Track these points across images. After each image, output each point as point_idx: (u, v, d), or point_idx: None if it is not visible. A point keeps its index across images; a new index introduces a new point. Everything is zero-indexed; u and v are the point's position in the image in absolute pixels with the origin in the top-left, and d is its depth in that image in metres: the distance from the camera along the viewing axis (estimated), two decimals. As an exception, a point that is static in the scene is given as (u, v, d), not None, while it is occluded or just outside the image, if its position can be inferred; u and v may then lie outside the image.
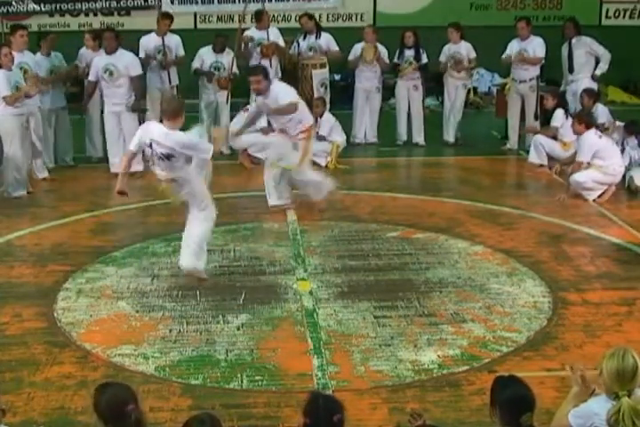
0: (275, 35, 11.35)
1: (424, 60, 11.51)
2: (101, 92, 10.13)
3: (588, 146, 8.99)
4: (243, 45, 11.30)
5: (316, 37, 11.48)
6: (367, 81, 11.63)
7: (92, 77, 10.02)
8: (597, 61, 11.30)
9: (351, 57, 11.57)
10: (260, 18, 11.44)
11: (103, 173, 10.17)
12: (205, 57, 11.14)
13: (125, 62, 9.91)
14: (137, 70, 10.01)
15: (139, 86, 10.16)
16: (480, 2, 14.88)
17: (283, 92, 8.23)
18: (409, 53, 11.46)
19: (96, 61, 9.97)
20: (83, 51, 10.66)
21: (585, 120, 9.16)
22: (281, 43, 11.40)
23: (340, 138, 10.76)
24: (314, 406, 3.60)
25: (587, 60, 11.26)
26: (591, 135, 9.05)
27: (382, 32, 11.74)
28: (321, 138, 10.49)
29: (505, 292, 6.58)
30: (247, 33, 11.38)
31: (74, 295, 6.54)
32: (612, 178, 9.03)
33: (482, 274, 6.94)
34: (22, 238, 7.90)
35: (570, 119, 10.13)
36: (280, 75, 11.56)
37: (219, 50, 11.12)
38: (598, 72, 11.29)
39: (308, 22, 11.55)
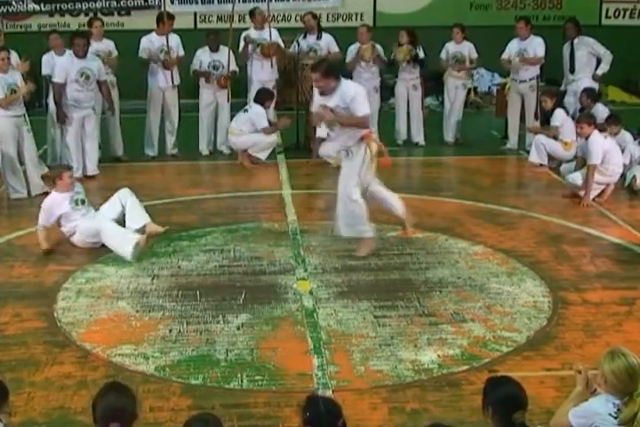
0: (275, 35, 11.35)
1: (421, 54, 11.44)
2: (62, 97, 9.71)
3: (599, 147, 8.91)
4: (243, 45, 11.30)
5: (318, 38, 11.47)
6: (365, 82, 11.53)
7: (61, 79, 9.64)
8: (598, 62, 11.29)
9: (348, 58, 11.54)
10: (253, 15, 11.42)
11: (103, 172, 10.18)
12: (203, 58, 11.14)
13: (97, 66, 9.88)
14: (104, 75, 10.03)
15: (110, 91, 10.19)
16: (480, 2, 14.88)
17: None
18: (405, 46, 11.38)
19: (67, 64, 9.67)
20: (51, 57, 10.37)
21: (593, 122, 9.12)
22: (280, 44, 11.40)
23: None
24: (315, 411, 3.56)
25: (588, 60, 11.24)
26: (599, 137, 8.99)
27: (382, 32, 11.74)
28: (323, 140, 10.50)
29: (505, 291, 6.58)
30: (248, 32, 11.36)
31: (74, 295, 6.54)
32: (608, 179, 9.01)
33: (482, 274, 6.94)
34: (22, 238, 7.90)
35: (570, 118, 10.14)
36: (278, 75, 11.57)
37: (214, 48, 11.12)
38: (600, 72, 11.27)
39: (311, 20, 11.53)
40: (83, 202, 7.59)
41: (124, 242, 7.23)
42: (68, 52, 9.87)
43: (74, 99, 9.72)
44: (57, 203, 7.47)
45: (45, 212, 7.46)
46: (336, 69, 7.34)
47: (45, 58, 10.34)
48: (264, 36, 11.20)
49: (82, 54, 9.70)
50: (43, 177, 9.78)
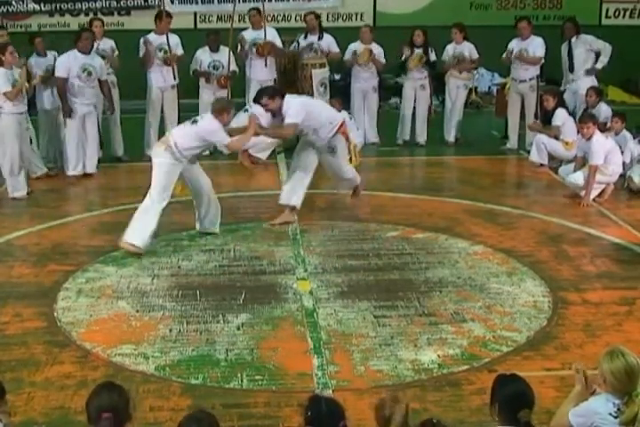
0: (271, 35, 11.33)
1: (432, 57, 11.48)
2: (65, 91, 9.72)
3: (601, 148, 8.89)
4: (239, 46, 11.31)
5: (319, 38, 11.47)
6: (364, 81, 11.63)
7: (64, 74, 9.67)
8: (598, 57, 11.26)
9: (346, 57, 11.57)
10: (250, 16, 11.44)
11: (103, 172, 10.18)
12: (203, 58, 11.15)
13: (100, 64, 9.92)
14: (105, 74, 10.07)
15: (110, 91, 10.24)
16: (480, 1, 14.88)
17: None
18: (417, 52, 11.43)
19: (70, 59, 9.67)
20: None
21: (596, 121, 9.11)
22: (278, 43, 11.38)
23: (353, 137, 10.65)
24: (316, 412, 3.55)
25: (587, 57, 11.22)
26: (601, 137, 8.98)
27: (382, 32, 11.73)
28: None
29: (505, 291, 6.58)
30: (242, 33, 11.37)
31: (74, 295, 6.54)
32: (608, 178, 9.00)
33: (482, 274, 6.94)
34: (22, 238, 7.90)
35: (571, 118, 10.13)
36: (276, 75, 11.56)
37: (214, 49, 11.13)
38: (599, 66, 11.19)
39: (313, 20, 11.54)
40: None
41: (146, 230, 7.43)
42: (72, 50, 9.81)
43: (76, 94, 9.73)
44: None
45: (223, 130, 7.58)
46: (278, 90, 8.04)
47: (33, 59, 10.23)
48: (261, 36, 11.19)
49: (87, 50, 9.75)
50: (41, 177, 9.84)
